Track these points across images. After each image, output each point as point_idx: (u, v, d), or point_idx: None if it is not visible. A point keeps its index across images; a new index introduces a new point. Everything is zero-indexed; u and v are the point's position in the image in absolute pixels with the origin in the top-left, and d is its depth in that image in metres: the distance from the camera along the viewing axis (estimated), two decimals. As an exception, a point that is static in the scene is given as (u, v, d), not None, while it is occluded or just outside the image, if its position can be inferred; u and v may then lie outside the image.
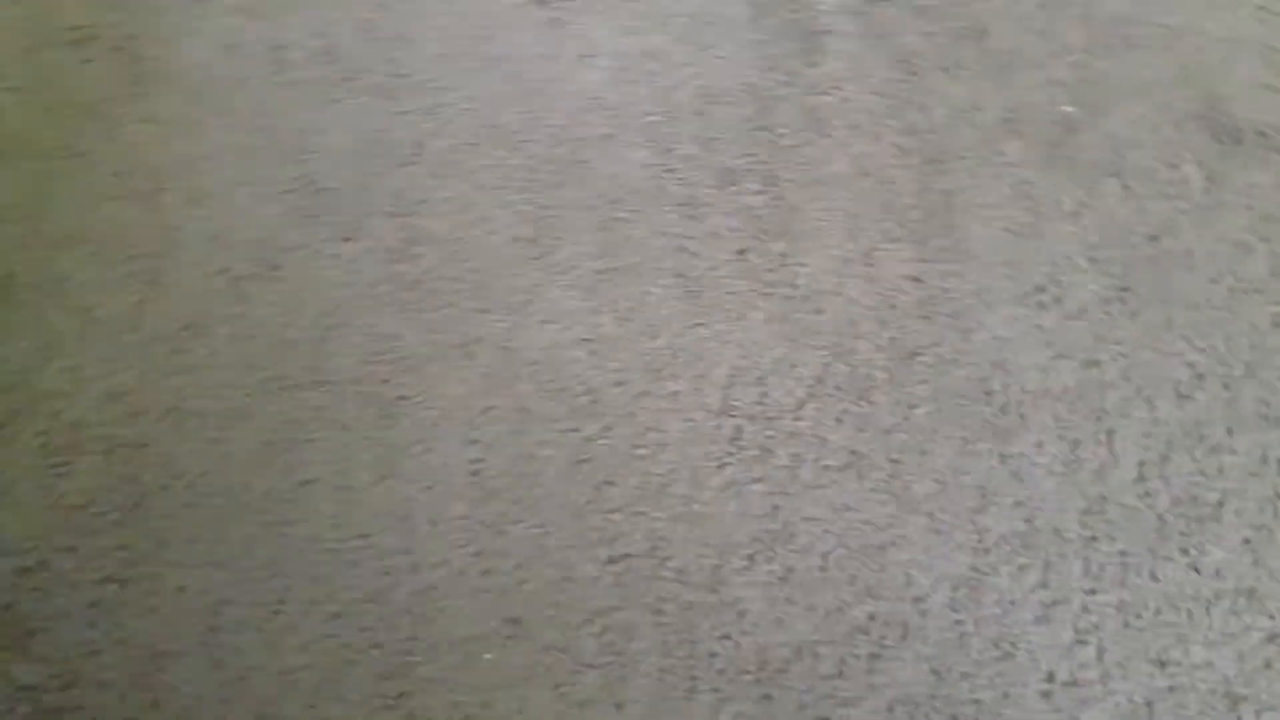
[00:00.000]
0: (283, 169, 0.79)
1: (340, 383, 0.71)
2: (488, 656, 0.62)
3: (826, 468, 0.69)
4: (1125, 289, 0.76)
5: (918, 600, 0.66)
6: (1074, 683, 0.64)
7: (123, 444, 0.68)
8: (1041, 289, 0.76)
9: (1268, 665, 0.64)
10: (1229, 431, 0.71)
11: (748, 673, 0.63)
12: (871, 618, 0.65)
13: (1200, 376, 0.73)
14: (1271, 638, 0.65)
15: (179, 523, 0.65)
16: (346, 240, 0.76)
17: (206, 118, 0.82)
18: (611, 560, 0.66)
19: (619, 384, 0.72)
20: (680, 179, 0.80)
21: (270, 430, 0.68)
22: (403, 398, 0.70)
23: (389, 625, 0.63)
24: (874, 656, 0.64)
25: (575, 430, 0.70)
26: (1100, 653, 0.64)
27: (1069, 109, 0.84)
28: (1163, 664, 0.64)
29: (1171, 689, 0.64)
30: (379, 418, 0.69)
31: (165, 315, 0.73)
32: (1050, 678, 0.64)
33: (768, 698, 0.62)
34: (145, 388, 0.70)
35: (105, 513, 0.66)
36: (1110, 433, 0.71)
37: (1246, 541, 0.68)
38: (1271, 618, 0.66)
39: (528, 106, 0.83)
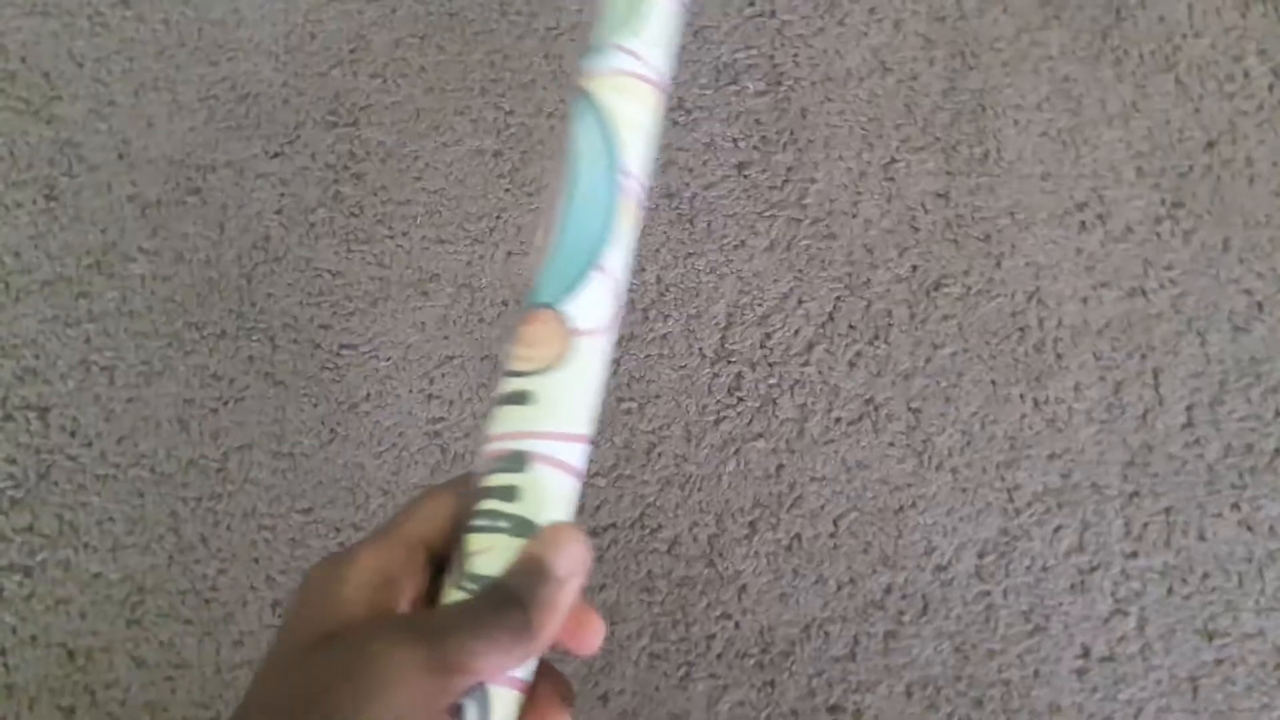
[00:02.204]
0: (200, 70, 0.66)
1: (274, 329, 0.60)
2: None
3: (838, 420, 0.61)
4: (1178, 205, 0.66)
5: (940, 569, 0.58)
6: (1111, 658, 0.57)
7: (21, 407, 0.58)
8: (1083, 206, 0.66)
9: (1323, 632, 0.58)
10: (1289, 368, 0.62)
11: (749, 656, 0.56)
12: (888, 590, 0.57)
13: (1258, 305, 0.64)
14: (1328, 601, 0.58)
15: (91, 498, 0.56)
16: (277, 156, 0.64)
17: (108, 8, 0.69)
18: (595, 532, 0.57)
19: (600, 324, 0.62)
20: (670, 77, 0.68)
21: (194, 387, 0.58)
22: (348, 346, 0.60)
23: (340, 616, 0.55)
24: (890, 634, 0.57)
25: (550, 381, 0.60)
26: (1141, 624, 0.58)
27: (1119, -11, 0.71)
28: (1209, 635, 0.57)
29: (1219, 662, 0.57)
30: (321, 370, 0.60)
31: (67, 251, 0.62)
32: (1086, 653, 0.57)
33: (771, 684, 0.55)
34: (46, 339, 0.59)
35: (3, 489, 0.56)
36: (1157, 372, 0.62)
37: (1304, 493, 0.60)
38: (1329, 579, 0.58)
39: (488, -10, 0.70)
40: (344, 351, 0.61)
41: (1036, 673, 0.56)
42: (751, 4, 0.70)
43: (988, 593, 0.57)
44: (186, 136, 0.65)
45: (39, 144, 0.64)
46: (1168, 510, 0.59)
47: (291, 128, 0.65)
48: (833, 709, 0.55)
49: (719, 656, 0.56)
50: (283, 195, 0.64)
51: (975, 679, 0.56)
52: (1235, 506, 0.60)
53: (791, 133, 0.67)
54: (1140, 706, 0.56)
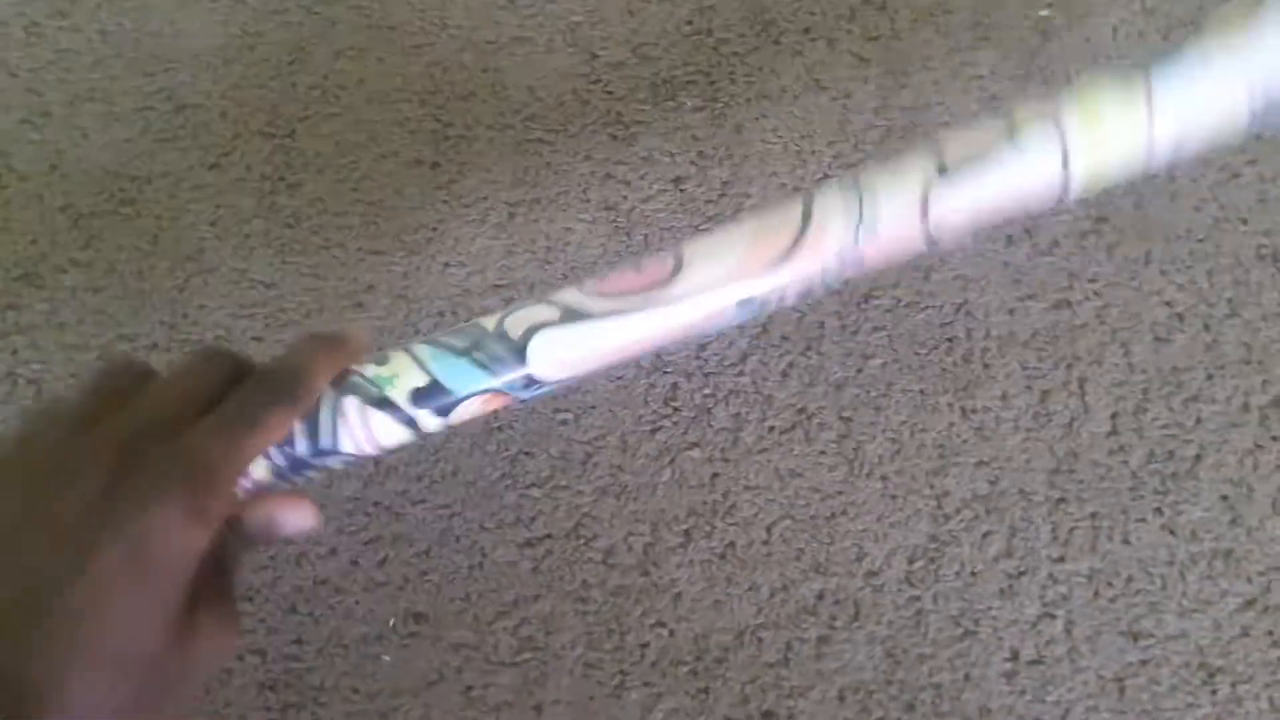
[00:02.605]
0: (137, 81, 0.67)
1: (206, 341, 0.61)
2: (387, 659, 0.55)
3: (771, 429, 0.62)
4: (1102, 219, 0.69)
5: (871, 575, 0.59)
6: (1040, 660, 0.59)
7: (-56, 419, 0.58)
8: (1011, 220, 0.68)
9: (1244, 633, 0.60)
10: (1209, 377, 0.65)
11: (683, 664, 0.57)
12: (820, 596, 0.59)
13: (1179, 317, 0.66)
14: (1249, 603, 0.60)
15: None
16: (213, 168, 0.65)
17: (44, 18, 0.69)
18: (529, 543, 0.58)
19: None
20: (608, 91, 0.70)
21: (124, 399, 0.59)
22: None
23: (271, 627, 0.55)
24: (823, 640, 0.58)
25: (486, 391, 0.61)
26: (1068, 626, 0.59)
27: (1046, 12, 0.74)
28: (1134, 636, 0.59)
29: (1144, 663, 0.59)
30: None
31: (-6, 261, 0.62)
32: (1014, 656, 0.59)
33: (705, 691, 0.56)
34: (-29, 350, 0.59)
35: (-76, 503, 0.56)
36: (1082, 381, 0.64)
37: (1224, 499, 0.62)
38: (1249, 581, 0.61)
39: (427, 3, 0.71)
40: (278, 362, 0.61)
41: (967, 676, 0.58)
42: (690, 22, 0.72)
43: (918, 598, 0.59)
44: (122, 147, 0.65)
45: (-32, 154, 0.64)
46: (1093, 515, 0.62)
47: (229, 139, 0.66)
48: (766, 715, 0.56)
49: (653, 665, 0.57)
50: (218, 207, 0.64)
51: (906, 683, 0.57)
52: (1159, 511, 0.62)
53: (727, 148, 0.69)
54: (1068, 707, 0.58)
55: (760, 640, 0.57)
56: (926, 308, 0.65)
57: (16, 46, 0.66)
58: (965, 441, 0.62)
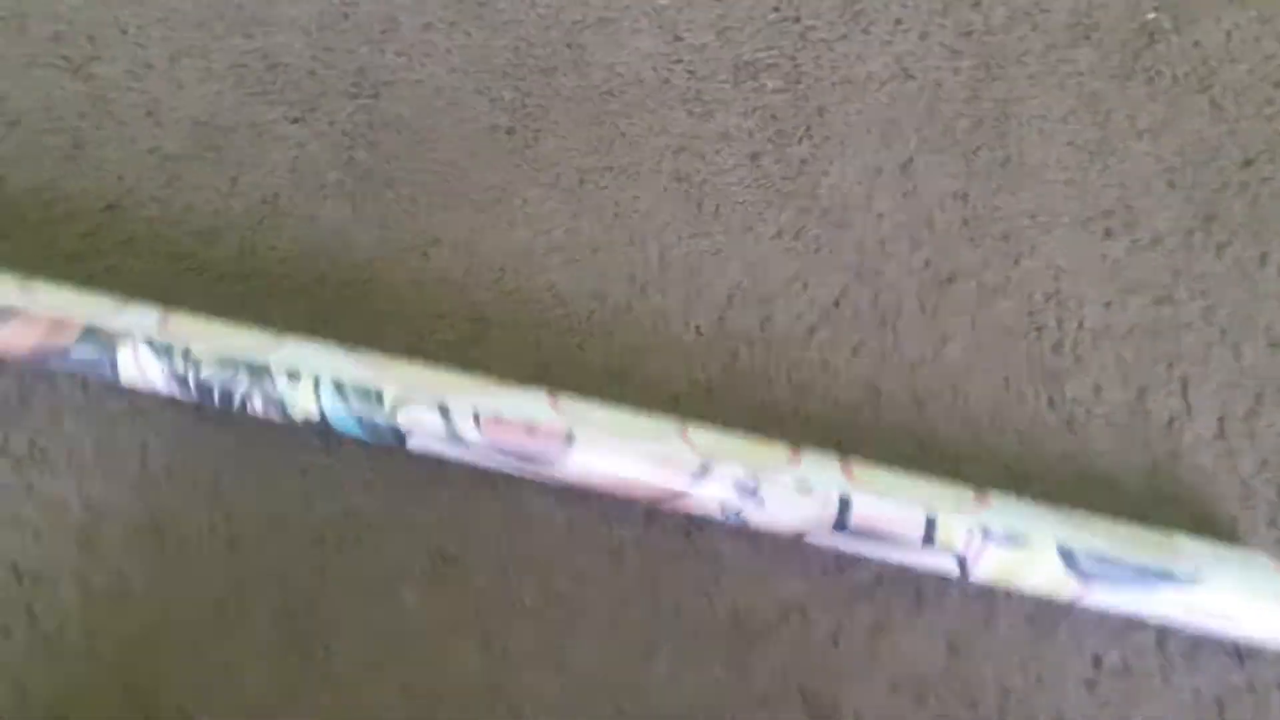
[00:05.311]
0: (234, 41, 0.71)
1: (272, 275, 0.63)
2: (409, 598, 0.54)
3: (836, 403, 0.60)
4: (1211, 218, 0.66)
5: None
6: (1126, 671, 0.54)
7: (13, 328, 0.60)
8: (1110, 213, 0.66)
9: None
10: (1331, 388, 0.60)
11: (719, 635, 0.54)
12: (879, 581, 0.55)
13: (1299, 324, 0.62)
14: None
15: (70, 428, 0.58)
16: (296, 121, 0.68)
17: (160, -10, 0.75)
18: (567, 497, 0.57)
19: (596, 296, 0.63)
20: (690, 71, 0.71)
21: (184, 323, 0.61)
22: (341, 296, 0.62)
23: (291, 555, 0.54)
24: (878, 626, 0.54)
25: (536, 345, 0.61)
26: (1160, 638, 0.54)
27: (1152, 15, 0.73)
28: (1240, 657, 0.54)
29: (1250, 686, 0.53)
30: (312, 315, 0.61)
31: (83, 193, 0.65)
32: (1097, 663, 0.54)
33: (742, 665, 0.53)
34: (51, 273, 0.62)
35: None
36: (1184, 380, 0.61)
37: (1347, 518, 0.57)
38: (1377, 611, 0.55)
39: (520, -11, 0.74)
40: (336, 300, 0.62)
41: (1039, 679, 0.53)
42: (776, 9, 0.73)
43: (989, 592, 0.55)
44: (213, 99, 0.69)
45: (73, 98, 0.69)
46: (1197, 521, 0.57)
47: (314, 96, 0.69)
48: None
49: (687, 632, 0.54)
50: (297, 157, 0.67)
51: (969, 680, 0.53)
52: (1271, 523, 0.57)
53: (808, 128, 0.69)
54: (1159, 733, 0.53)
55: (808, 618, 0.54)
56: (1015, 294, 0.63)
57: (128, 5, 0.72)
58: (1052, 431, 0.59)
